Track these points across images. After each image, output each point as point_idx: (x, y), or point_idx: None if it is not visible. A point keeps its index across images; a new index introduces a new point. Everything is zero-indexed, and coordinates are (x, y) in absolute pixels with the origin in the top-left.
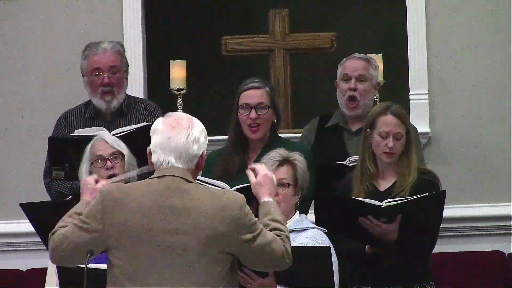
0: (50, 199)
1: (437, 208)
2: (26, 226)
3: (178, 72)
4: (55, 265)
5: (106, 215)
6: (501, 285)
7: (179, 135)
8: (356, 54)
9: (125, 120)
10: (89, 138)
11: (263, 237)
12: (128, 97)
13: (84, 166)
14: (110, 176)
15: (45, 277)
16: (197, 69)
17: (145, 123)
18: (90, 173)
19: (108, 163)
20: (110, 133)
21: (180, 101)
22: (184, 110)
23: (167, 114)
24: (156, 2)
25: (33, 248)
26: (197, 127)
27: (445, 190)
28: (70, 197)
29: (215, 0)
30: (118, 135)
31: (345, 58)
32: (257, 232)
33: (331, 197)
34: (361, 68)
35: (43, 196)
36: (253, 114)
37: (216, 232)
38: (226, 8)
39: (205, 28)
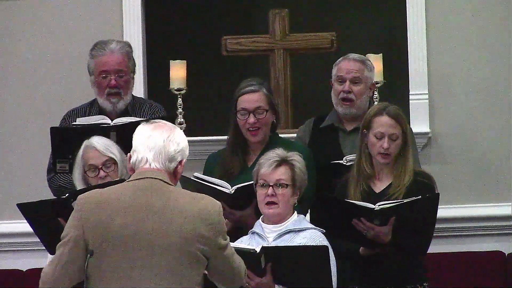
0: (49, 197)
1: (431, 211)
2: (26, 226)
3: (178, 72)
4: None
5: (84, 220)
6: (501, 285)
7: (160, 134)
8: (351, 55)
9: None
10: (91, 127)
11: (231, 249)
12: (133, 97)
13: (76, 173)
14: (104, 185)
15: None
16: (197, 69)
17: (149, 118)
18: (85, 179)
19: (101, 172)
20: (111, 122)
21: (180, 101)
22: (184, 110)
23: (151, 121)
24: (156, 2)
25: (33, 248)
26: (180, 133)
27: (438, 193)
28: (67, 195)
29: (215, 0)
30: (119, 124)
31: (340, 58)
32: (228, 241)
33: (325, 198)
34: (356, 70)
35: (42, 195)
36: (251, 119)
37: (196, 232)
38: (226, 8)
39: (205, 28)
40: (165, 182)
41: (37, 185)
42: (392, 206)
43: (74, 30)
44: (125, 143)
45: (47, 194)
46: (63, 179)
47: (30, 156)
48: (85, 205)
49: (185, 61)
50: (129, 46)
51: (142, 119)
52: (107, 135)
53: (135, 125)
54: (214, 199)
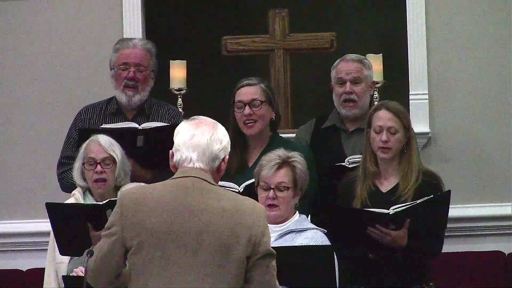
0: (53, 195)
1: (443, 209)
2: (26, 226)
3: (178, 72)
4: (53, 266)
5: (124, 216)
6: (501, 285)
7: (203, 133)
8: (348, 56)
9: (147, 120)
10: (119, 130)
11: (273, 262)
12: (151, 98)
13: (77, 164)
14: (97, 180)
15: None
16: (197, 69)
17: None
18: (82, 173)
19: (98, 167)
20: (139, 126)
21: (180, 101)
22: (184, 110)
23: (191, 117)
24: (156, 2)
25: (33, 248)
26: (222, 130)
27: (449, 190)
28: (105, 201)
29: (215, 0)
30: (147, 128)
31: (338, 60)
32: (268, 248)
33: (337, 208)
34: (355, 70)
35: (43, 195)
36: (246, 110)
37: (235, 234)
38: (226, 8)
39: (205, 28)
40: (207, 181)
41: (38, 186)
42: (406, 208)
43: (74, 30)
44: (152, 147)
45: (48, 194)
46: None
47: (31, 157)
48: (126, 201)
49: (185, 61)
50: (153, 45)
51: (168, 124)
52: (134, 139)
53: (161, 130)
54: (257, 202)
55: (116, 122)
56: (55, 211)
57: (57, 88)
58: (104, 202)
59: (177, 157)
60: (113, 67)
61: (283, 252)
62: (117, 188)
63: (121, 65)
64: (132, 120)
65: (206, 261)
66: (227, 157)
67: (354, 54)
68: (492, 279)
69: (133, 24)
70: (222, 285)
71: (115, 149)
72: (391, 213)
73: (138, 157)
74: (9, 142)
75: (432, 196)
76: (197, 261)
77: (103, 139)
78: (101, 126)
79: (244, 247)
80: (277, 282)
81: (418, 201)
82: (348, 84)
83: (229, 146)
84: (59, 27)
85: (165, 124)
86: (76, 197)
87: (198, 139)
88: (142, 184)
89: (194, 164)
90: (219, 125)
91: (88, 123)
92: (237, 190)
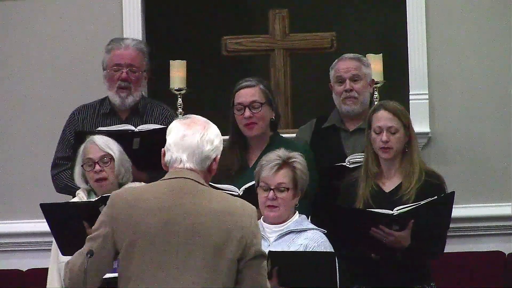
0: (51, 194)
1: (447, 210)
2: (26, 226)
3: (178, 72)
4: (56, 265)
5: (115, 218)
6: (501, 285)
7: (194, 134)
8: (346, 55)
9: (141, 120)
10: (115, 133)
11: (264, 263)
12: (145, 98)
13: (76, 168)
14: (98, 180)
15: (46, 277)
16: (197, 69)
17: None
18: (83, 175)
19: (97, 166)
20: (136, 128)
21: (180, 101)
22: (184, 110)
23: (184, 116)
24: (156, 2)
25: (33, 248)
26: (213, 130)
27: (453, 192)
28: (97, 198)
29: (215, 0)
30: (143, 130)
31: (336, 60)
32: (263, 251)
33: (338, 208)
34: (354, 68)
35: (43, 195)
36: (247, 113)
37: (227, 235)
38: (226, 8)
39: (205, 28)
40: (198, 182)
41: (37, 186)
42: (410, 209)
43: (74, 30)
44: (148, 149)
45: (48, 194)
46: (71, 181)
47: (30, 157)
48: (117, 202)
49: (185, 61)
50: (145, 45)
51: (164, 126)
52: (130, 141)
53: (157, 132)
54: (248, 203)
55: (110, 123)
56: (51, 212)
57: (57, 88)
58: (96, 198)
59: (167, 157)
60: (105, 68)
61: (285, 257)
62: (120, 185)
63: (114, 66)
64: (126, 121)
65: (198, 262)
66: (219, 156)
67: (351, 53)
68: (492, 279)
69: (133, 24)
70: (214, 285)
71: (112, 147)
72: (395, 213)
73: (134, 159)
74: (8, 142)
75: (436, 197)
76: (189, 262)
77: (99, 138)
78: (97, 129)
79: (235, 248)
80: (268, 283)
81: (422, 202)
82: (348, 81)
83: (222, 145)
84: (59, 27)
85: (161, 126)
86: (80, 196)
87: (189, 140)
88: (137, 183)
89: (184, 164)
90: (211, 124)
91: (82, 124)
92: (236, 193)
